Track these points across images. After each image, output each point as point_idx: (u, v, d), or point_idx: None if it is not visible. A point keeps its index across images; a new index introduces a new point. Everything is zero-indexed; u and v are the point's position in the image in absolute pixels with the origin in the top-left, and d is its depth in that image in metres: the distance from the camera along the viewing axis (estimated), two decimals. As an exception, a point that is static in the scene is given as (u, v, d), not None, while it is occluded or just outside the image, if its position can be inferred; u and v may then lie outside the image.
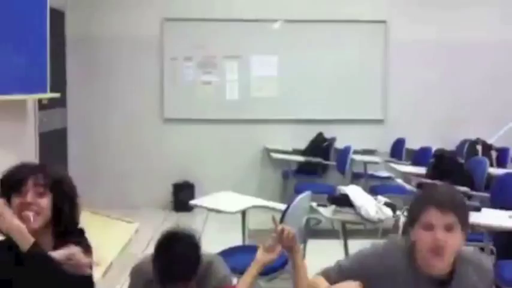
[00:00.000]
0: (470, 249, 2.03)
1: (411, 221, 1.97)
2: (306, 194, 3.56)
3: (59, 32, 6.36)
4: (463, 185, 4.43)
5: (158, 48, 6.88)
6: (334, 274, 2.06)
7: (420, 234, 1.90)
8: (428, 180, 4.39)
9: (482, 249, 4.19)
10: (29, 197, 1.92)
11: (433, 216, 1.88)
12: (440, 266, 1.91)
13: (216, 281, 2.17)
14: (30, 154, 5.23)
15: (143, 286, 2.15)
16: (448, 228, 1.88)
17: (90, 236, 3.97)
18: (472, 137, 6.53)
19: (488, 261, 2.10)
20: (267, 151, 6.95)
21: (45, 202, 1.96)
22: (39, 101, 5.46)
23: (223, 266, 2.26)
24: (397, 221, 3.23)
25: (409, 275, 1.95)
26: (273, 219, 2.26)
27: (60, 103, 6.27)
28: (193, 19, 6.83)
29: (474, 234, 3.76)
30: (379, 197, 3.60)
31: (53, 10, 5.39)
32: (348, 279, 1.97)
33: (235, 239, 4.13)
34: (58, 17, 6.27)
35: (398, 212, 3.39)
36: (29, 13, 4.84)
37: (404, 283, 1.95)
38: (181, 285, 2.01)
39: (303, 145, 6.92)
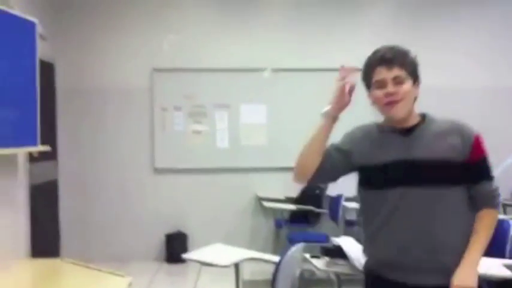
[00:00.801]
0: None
1: (367, 87, 2.25)
2: (299, 246, 3.52)
3: (49, 84, 6.38)
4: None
5: (148, 98, 6.93)
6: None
7: (375, 94, 2.18)
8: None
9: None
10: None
11: (381, 73, 2.14)
12: (398, 114, 2.14)
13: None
14: (23, 206, 5.19)
15: None
16: (398, 82, 2.12)
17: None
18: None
19: (470, 127, 2.18)
20: (259, 199, 6.93)
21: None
22: (30, 153, 5.44)
23: None
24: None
25: (379, 133, 2.27)
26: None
27: (50, 155, 6.24)
28: (183, 69, 6.90)
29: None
30: (373, 248, 3.56)
31: (42, 62, 5.42)
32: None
33: (228, 292, 4.08)
34: (48, 69, 6.30)
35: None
36: (18, 66, 4.86)
37: (376, 140, 2.26)
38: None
39: (294, 193, 6.90)
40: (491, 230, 2.11)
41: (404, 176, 2.11)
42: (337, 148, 2.35)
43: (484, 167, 2.14)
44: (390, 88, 2.10)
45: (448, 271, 2.06)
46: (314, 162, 2.27)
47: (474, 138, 2.11)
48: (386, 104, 2.14)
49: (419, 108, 2.29)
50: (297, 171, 2.34)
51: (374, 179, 2.21)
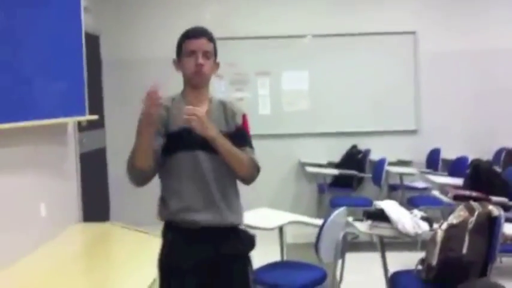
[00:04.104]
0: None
1: (177, 55, 2.49)
2: (341, 209, 3.58)
3: (94, 55, 6.53)
4: (500, 195, 4.40)
5: (191, 67, 7.01)
6: None
7: (186, 62, 2.42)
8: (466, 192, 4.36)
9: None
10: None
11: (195, 44, 2.42)
12: (202, 83, 2.45)
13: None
14: (72, 174, 5.39)
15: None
16: (207, 56, 2.42)
17: (132, 252, 4.08)
18: (509, 145, 6.46)
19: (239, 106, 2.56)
20: (302, 165, 6.99)
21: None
22: (79, 123, 5.62)
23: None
24: (434, 234, 3.23)
25: (176, 103, 2.48)
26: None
27: (98, 124, 6.43)
28: (224, 38, 6.92)
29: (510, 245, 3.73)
30: (415, 211, 3.60)
31: (88, 35, 5.55)
32: None
33: (273, 254, 4.18)
34: (93, 41, 6.44)
35: (435, 226, 3.39)
36: (65, 39, 5.00)
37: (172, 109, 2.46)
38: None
39: (337, 158, 6.94)
40: (241, 159, 2.43)
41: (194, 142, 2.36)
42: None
43: (245, 136, 2.51)
44: (200, 60, 2.39)
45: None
46: (148, 166, 2.39)
47: (242, 116, 2.51)
48: (195, 73, 2.40)
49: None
50: (133, 178, 2.47)
51: (170, 144, 2.42)
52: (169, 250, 2.42)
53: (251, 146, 2.53)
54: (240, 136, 2.47)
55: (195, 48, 2.41)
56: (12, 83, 4.07)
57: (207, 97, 2.50)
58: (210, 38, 2.48)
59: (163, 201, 2.49)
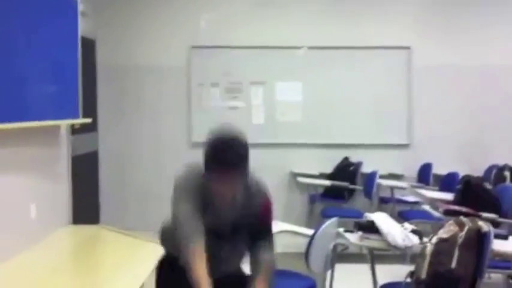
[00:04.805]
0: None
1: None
2: (333, 220, 3.59)
3: (90, 60, 6.53)
4: (490, 211, 4.42)
5: (185, 75, 7.02)
6: None
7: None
8: (456, 207, 4.39)
9: (510, 277, 4.17)
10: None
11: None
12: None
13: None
14: (63, 176, 5.38)
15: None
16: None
17: (121, 256, 4.06)
18: (500, 162, 6.50)
19: None
20: (294, 175, 7.00)
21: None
22: (72, 125, 5.61)
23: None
24: (424, 248, 3.24)
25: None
26: None
27: (91, 128, 6.42)
28: (220, 47, 6.97)
29: (502, 261, 3.75)
30: (406, 224, 3.61)
31: (84, 39, 5.56)
32: None
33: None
34: (89, 45, 6.44)
35: (425, 239, 3.40)
36: (61, 42, 5.00)
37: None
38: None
39: (329, 169, 6.95)
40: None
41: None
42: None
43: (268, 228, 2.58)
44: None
45: None
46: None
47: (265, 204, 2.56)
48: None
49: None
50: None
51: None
52: None
53: (271, 239, 2.53)
54: (263, 228, 2.49)
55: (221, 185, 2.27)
56: (6, 84, 4.06)
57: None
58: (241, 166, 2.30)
59: None
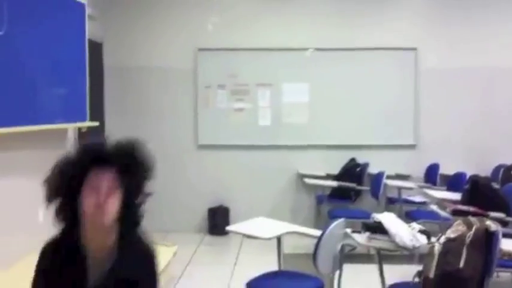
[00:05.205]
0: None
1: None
2: (340, 221, 3.59)
3: (97, 62, 6.56)
4: (498, 211, 4.41)
5: (192, 77, 7.05)
6: None
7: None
8: (464, 207, 4.38)
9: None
10: (103, 198, 1.81)
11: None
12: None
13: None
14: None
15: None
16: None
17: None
18: (507, 162, 6.48)
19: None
20: (300, 176, 7.00)
21: (115, 202, 1.84)
22: (79, 128, 5.64)
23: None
24: (432, 247, 3.24)
25: None
26: None
27: (98, 131, 6.44)
28: (226, 49, 6.99)
29: (511, 261, 3.74)
30: (414, 224, 3.61)
31: (91, 42, 5.59)
32: None
33: (270, 264, 4.19)
34: (96, 48, 6.47)
35: (433, 239, 3.40)
36: (69, 45, 5.03)
37: None
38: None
39: (335, 170, 6.95)
40: None
41: None
42: None
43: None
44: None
45: None
46: None
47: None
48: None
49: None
50: None
51: None
52: None
53: None
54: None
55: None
56: (15, 88, 4.10)
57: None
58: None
59: None
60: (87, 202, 1.81)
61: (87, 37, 5.32)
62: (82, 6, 5.26)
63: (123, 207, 1.87)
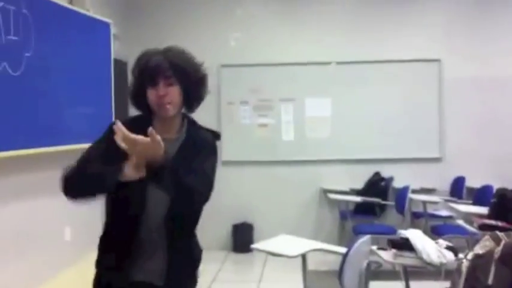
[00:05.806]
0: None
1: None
2: (366, 238, 3.57)
3: (122, 81, 6.64)
4: (527, 225, 4.34)
5: (215, 93, 7.08)
6: None
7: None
8: (492, 221, 4.32)
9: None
10: (161, 90, 2.11)
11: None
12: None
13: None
14: (97, 201, 5.43)
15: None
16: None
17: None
18: (535, 174, 6.39)
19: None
20: (324, 191, 6.98)
21: (175, 91, 2.15)
22: (104, 148, 5.69)
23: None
24: (460, 264, 3.20)
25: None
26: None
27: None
28: (249, 65, 7.04)
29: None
30: (441, 241, 3.57)
31: (116, 61, 5.66)
32: None
33: (295, 281, 4.18)
34: (121, 67, 6.55)
35: (460, 255, 3.36)
36: (95, 65, 5.11)
37: None
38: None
39: (359, 185, 6.92)
40: None
41: None
42: None
43: None
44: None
45: None
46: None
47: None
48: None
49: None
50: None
51: None
52: None
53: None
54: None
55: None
56: (42, 108, 4.17)
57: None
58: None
59: None
60: (150, 95, 2.13)
61: (112, 56, 5.39)
62: (107, 25, 5.35)
63: (183, 98, 2.20)
